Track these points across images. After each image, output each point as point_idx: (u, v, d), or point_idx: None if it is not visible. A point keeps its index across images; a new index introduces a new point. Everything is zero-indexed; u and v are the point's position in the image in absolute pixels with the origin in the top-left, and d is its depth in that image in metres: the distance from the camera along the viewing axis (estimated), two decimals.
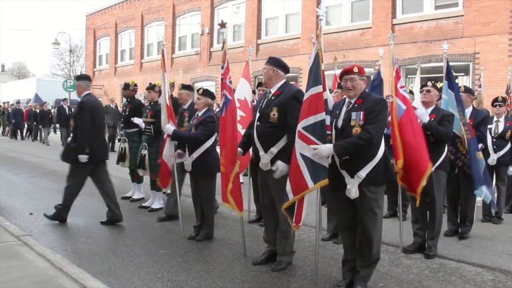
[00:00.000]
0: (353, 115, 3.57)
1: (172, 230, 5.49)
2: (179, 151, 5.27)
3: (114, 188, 5.90)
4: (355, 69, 3.65)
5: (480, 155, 5.23)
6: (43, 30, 78.05)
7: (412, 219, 4.97)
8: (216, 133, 5.10)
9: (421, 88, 5.09)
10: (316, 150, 3.56)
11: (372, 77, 6.04)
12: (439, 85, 5.00)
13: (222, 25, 4.78)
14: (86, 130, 5.55)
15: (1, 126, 24.55)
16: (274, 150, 4.05)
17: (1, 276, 3.74)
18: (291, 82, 4.56)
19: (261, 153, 4.11)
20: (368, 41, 13.61)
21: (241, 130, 5.49)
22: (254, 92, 7.00)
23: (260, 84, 6.29)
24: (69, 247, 4.82)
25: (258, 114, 4.20)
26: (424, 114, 4.63)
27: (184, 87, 6.00)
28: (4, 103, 25.83)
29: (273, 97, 4.16)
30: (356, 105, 3.60)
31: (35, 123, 20.39)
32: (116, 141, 14.30)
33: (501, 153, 6.30)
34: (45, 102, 21.60)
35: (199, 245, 4.95)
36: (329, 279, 3.96)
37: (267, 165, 4.09)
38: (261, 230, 4.76)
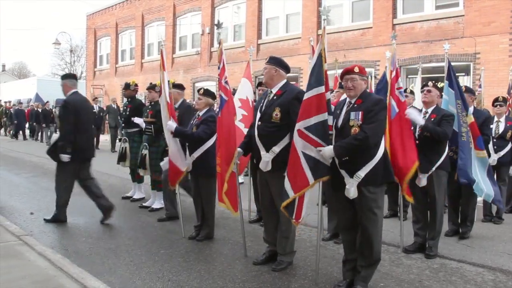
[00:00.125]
0: (352, 115, 3.57)
1: (172, 230, 5.49)
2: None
3: (97, 182, 5.92)
4: (356, 69, 3.65)
5: (484, 153, 5.23)
6: (44, 30, 78.07)
7: (413, 219, 4.97)
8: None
9: (421, 88, 5.08)
10: (320, 152, 3.57)
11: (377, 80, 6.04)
12: (440, 85, 4.99)
13: (218, 25, 4.80)
14: (68, 130, 5.55)
15: (3, 126, 24.55)
16: (276, 149, 4.05)
17: (2, 276, 3.75)
18: (291, 82, 4.56)
19: (263, 152, 4.11)
20: (369, 41, 13.60)
21: (244, 129, 5.50)
22: (254, 92, 7.00)
23: (260, 84, 6.30)
24: (69, 246, 4.82)
25: (259, 114, 4.20)
26: (416, 118, 4.57)
27: (175, 86, 6.00)
28: (5, 102, 25.84)
29: (275, 97, 4.16)
30: (355, 105, 3.61)
31: (35, 123, 20.38)
32: (117, 141, 14.30)
33: (502, 153, 6.31)
34: (47, 102, 21.60)
35: (199, 245, 4.95)
36: (329, 279, 3.95)
37: (268, 165, 4.08)
38: (262, 230, 4.76)
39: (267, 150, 4.08)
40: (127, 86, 7.35)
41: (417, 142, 4.62)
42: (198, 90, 5.25)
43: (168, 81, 5.45)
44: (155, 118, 6.26)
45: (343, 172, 3.56)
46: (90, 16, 27.09)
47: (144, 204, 6.81)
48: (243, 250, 4.61)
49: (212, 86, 16.53)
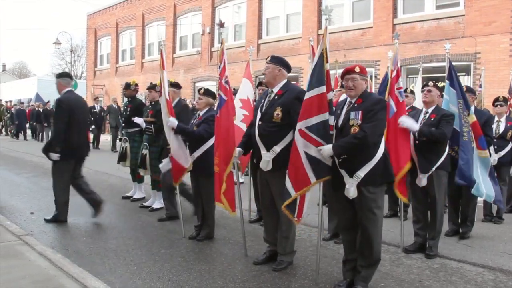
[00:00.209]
0: (352, 114, 3.58)
1: (172, 230, 5.49)
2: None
3: (86, 179, 5.97)
4: (357, 69, 3.66)
5: (486, 153, 5.22)
6: (44, 29, 78.02)
7: (413, 219, 4.96)
8: None
9: (422, 88, 5.08)
10: (320, 151, 3.58)
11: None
12: (440, 84, 4.99)
13: (221, 25, 4.78)
14: (61, 128, 5.54)
15: (4, 126, 24.55)
16: (277, 149, 4.04)
17: (2, 276, 3.75)
18: (292, 82, 4.56)
19: (263, 152, 4.10)
20: (369, 41, 13.59)
21: (245, 129, 5.50)
22: (254, 92, 7.01)
23: (260, 84, 6.30)
24: (70, 246, 4.83)
25: (260, 114, 4.19)
26: (410, 126, 4.55)
27: (171, 85, 6.00)
28: (6, 102, 25.85)
29: (276, 97, 4.15)
30: (356, 105, 3.61)
31: (36, 123, 20.38)
32: (118, 141, 14.30)
33: (502, 153, 6.30)
34: (48, 101, 21.61)
35: (200, 244, 4.95)
36: (330, 279, 3.95)
37: (268, 164, 4.07)
38: (262, 230, 4.76)
39: (268, 150, 4.07)
40: (127, 86, 7.35)
41: (416, 142, 4.62)
42: (199, 90, 5.25)
43: (168, 81, 5.45)
44: (155, 118, 6.26)
45: (342, 172, 3.56)
46: (90, 16, 27.10)
47: (144, 204, 6.81)
48: (244, 250, 4.61)
49: (212, 86, 16.50)
